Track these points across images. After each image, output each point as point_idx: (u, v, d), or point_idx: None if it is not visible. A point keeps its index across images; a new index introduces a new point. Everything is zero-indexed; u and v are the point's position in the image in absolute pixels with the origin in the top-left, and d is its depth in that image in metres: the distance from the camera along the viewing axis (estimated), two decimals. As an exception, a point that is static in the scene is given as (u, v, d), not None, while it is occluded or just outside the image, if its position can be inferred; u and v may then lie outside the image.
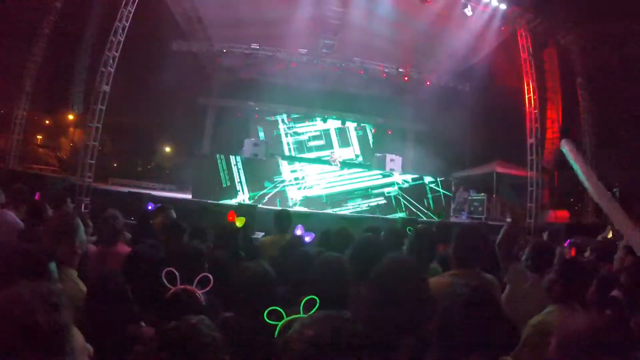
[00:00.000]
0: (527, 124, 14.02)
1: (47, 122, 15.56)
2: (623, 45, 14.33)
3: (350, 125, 16.78)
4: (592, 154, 14.73)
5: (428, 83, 16.16)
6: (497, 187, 15.41)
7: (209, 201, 9.99)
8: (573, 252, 5.86)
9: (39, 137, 15.47)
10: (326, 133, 16.50)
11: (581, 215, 15.07)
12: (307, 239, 4.96)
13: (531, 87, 14.08)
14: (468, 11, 13.41)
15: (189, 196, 11.29)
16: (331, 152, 14.89)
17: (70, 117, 14.70)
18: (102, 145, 12.02)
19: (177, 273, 2.36)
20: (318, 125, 16.56)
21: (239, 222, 5.31)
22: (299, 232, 5.03)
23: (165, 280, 2.33)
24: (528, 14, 14.22)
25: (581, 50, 15.04)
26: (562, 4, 14.17)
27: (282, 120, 16.45)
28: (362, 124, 16.66)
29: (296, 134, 16.41)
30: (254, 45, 15.36)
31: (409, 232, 5.95)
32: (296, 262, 3.44)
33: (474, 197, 14.74)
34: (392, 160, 13.42)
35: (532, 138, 13.90)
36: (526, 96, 14.11)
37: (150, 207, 5.85)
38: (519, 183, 14.71)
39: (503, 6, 13.89)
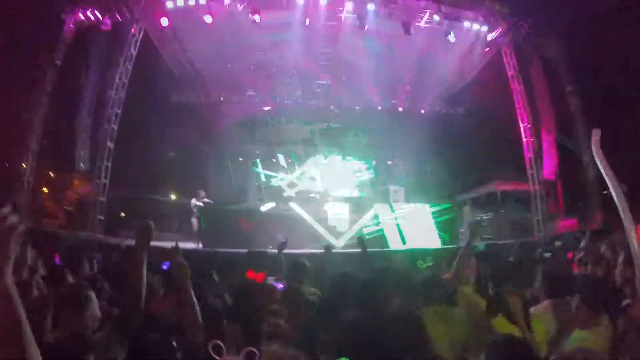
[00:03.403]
0: (524, 139, 14.33)
1: (52, 175, 15.71)
2: (607, 46, 14.56)
3: (351, 161, 16.88)
4: (590, 158, 14.81)
5: (422, 111, 16.54)
6: (502, 204, 15.48)
7: (219, 250, 9.95)
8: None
9: (45, 190, 15.59)
10: (327, 171, 16.58)
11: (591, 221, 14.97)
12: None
13: (522, 102, 14.49)
14: (452, 38, 13.86)
15: (193, 245, 11.35)
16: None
17: (76, 172, 14.93)
18: (109, 198, 12.23)
19: (223, 347, 2.48)
20: (318, 164, 16.65)
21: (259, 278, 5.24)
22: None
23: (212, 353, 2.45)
24: (509, 32, 14.70)
25: (566, 57, 15.36)
26: (539, 17, 14.55)
27: (283, 164, 16.56)
28: (362, 158, 16.74)
29: (299, 176, 16.46)
30: (250, 92, 15.88)
31: (420, 266, 6.01)
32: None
33: (481, 218, 14.78)
34: (395, 191, 13.66)
35: (529, 152, 14.17)
36: (518, 112, 14.47)
37: (164, 267, 5.83)
38: (523, 197, 14.83)
39: (484, 28, 14.35)
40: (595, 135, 3.87)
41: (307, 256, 9.51)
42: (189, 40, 13.75)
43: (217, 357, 2.36)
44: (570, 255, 7.31)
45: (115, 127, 12.23)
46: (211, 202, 12.60)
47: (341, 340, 2.69)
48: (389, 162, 16.96)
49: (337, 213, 12.27)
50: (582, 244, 8.51)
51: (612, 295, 3.37)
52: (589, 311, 3.07)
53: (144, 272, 2.92)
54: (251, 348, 2.44)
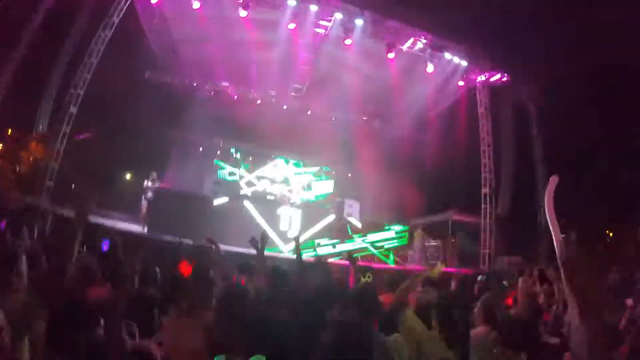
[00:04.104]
0: (482, 174, 14.85)
1: (8, 132, 15.13)
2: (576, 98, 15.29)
3: (312, 169, 16.86)
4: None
5: (391, 132, 16.78)
6: (453, 234, 15.86)
7: (165, 238, 9.67)
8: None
9: (-1, 146, 14.97)
10: (288, 176, 16.47)
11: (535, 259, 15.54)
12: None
13: (486, 139, 15.05)
14: (430, 67, 14.24)
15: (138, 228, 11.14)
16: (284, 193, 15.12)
17: (34, 133, 14.41)
18: (61, 165, 11.84)
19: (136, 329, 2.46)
20: (279, 167, 16.52)
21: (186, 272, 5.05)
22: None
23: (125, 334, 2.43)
24: (486, 71, 15.24)
25: (537, 104, 16.02)
26: (519, 62, 15.12)
27: (243, 161, 16.30)
28: (324, 168, 16.72)
29: (258, 175, 16.24)
30: (224, 84, 15.75)
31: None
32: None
33: (430, 244, 15.10)
34: (350, 205, 13.83)
35: (486, 188, 14.69)
36: (481, 148, 15.00)
37: (104, 247, 5.58)
38: (475, 230, 15.32)
39: (464, 63, 14.80)
40: (552, 182, 4.00)
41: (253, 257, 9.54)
42: (175, 21, 13.57)
43: (128, 339, 2.39)
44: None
45: (82, 93, 11.89)
46: (159, 186, 12.33)
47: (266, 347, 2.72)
48: (349, 175, 17.06)
49: (290, 218, 12.30)
50: (520, 281, 8.80)
51: (529, 336, 3.50)
52: (504, 348, 3.21)
53: (75, 246, 2.91)
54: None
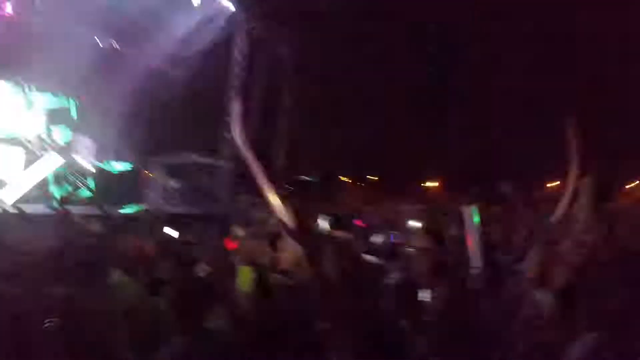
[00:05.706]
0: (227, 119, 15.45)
1: None
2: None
3: (48, 97, 12.73)
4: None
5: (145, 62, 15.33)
6: (193, 174, 16.05)
7: None
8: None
9: None
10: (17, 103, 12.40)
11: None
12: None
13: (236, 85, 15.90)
14: (196, 1, 13.67)
15: None
16: None
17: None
18: None
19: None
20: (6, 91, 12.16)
21: None
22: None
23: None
24: (250, 18, 15.52)
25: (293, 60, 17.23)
26: (285, 16, 15.89)
27: None
28: (62, 97, 13.51)
29: None
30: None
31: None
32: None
33: (170, 184, 14.93)
34: (86, 147, 12.28)
35: (226, 132, 15.34)
36: (230, 94, 15.64)
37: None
38: (215, 172, 15.99)
39: (231, 7, 14.85)
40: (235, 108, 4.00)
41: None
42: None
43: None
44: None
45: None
46: None
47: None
48: (90, 108, 14.48)
49: (6, 158, 10.19)
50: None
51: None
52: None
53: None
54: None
